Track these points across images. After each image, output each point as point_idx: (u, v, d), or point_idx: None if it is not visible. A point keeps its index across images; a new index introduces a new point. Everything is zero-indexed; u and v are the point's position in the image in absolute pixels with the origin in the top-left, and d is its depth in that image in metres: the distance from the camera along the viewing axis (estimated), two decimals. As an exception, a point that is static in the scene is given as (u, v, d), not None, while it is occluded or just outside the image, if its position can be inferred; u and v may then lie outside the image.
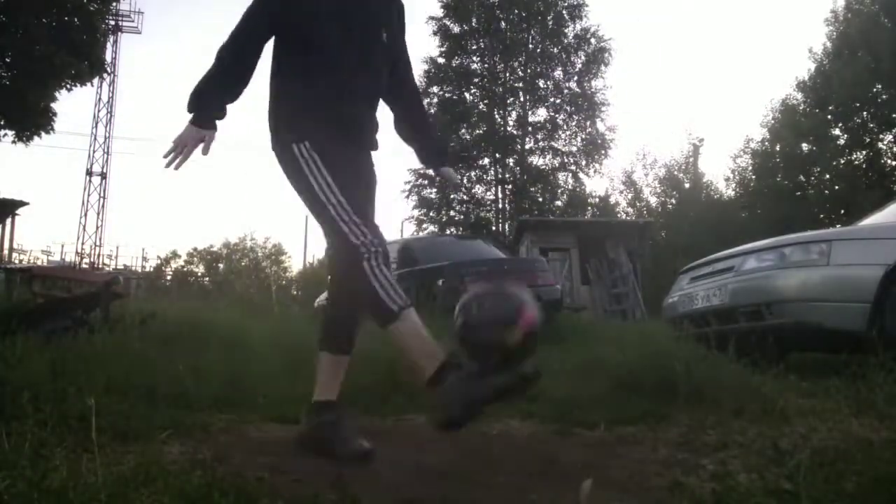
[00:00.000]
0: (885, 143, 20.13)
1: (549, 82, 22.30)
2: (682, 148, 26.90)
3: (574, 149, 22.12)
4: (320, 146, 1.87)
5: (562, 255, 14.37)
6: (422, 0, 27.48)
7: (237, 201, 60.65)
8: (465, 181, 22.08)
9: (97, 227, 26.08)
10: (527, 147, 22.20)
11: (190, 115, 1.85)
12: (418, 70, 22.28)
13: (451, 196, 21.67)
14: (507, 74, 22.42)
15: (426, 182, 21.44)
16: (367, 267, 1.73)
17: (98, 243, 26.07)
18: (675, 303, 4.71)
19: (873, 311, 3.49)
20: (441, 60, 22.10)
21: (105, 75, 18.74)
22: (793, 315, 3.67)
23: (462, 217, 21.89)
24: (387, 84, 2.10)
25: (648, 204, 25.20)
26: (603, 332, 5.53)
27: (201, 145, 1.84)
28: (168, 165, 1.82)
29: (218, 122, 1.88)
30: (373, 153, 2.11)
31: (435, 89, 22.02)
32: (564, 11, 22.02)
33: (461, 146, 21.33)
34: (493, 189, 22.43)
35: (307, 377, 2.88)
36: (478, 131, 21.99)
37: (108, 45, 17.05)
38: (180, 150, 1.81)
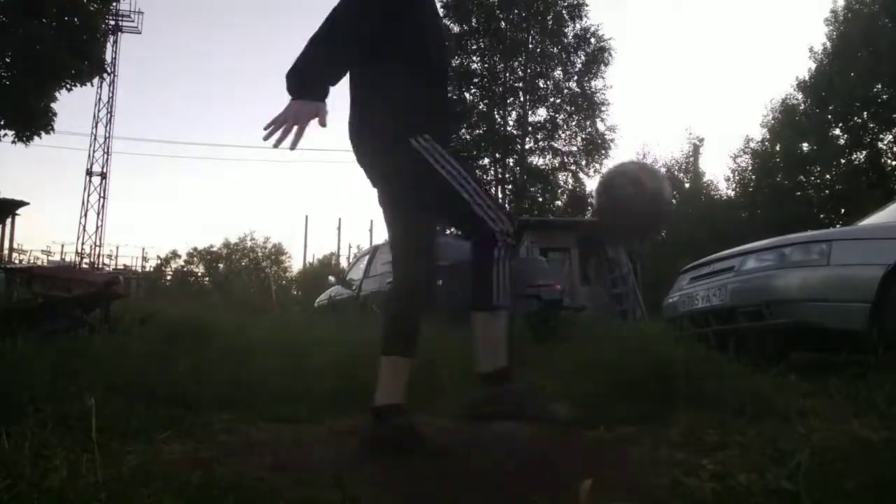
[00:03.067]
0: (885, 143, 20.16)
1: (549, 82, 22.30)
2: (682, 148, 26.90)
3: (574, 149, 22.15)
4: (438, 140, 1.87)
5: (562, 255, 14.36)
6: (422, 0, 27.34)
7: (237, 201, 60.68)
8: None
9: (97, 227, 26.12)
10: (527, 147, 22.20)
11: (295, 91, 1.75)
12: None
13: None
14: (507, 74, 22.41)
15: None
16: (496, 254, 1.82)
17: (98, 243, 26.10)
18: (675, 303, 4.71)
19: (873, 311, 3.49)
20: (441, 60, 22.08)
21: (105, 75, 18.75)
22: (793, 315, 3.67)
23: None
24: None
25: (648, 204, 25.17)
26: (603, 332, 5.53)
27: (315, 120, 1.75)
28: (278, 144, 1.71)
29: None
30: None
31: (435, 89, 21.99)
32: (564, 11, 22.01)
33: (461, 146, 21.34)
34: (493, 189, 22.42)
35: (307, 377, 2.89)
36: (478, 131, 21.99)
37: (108, 45, 17.08)
38: (290, 125, 1.71)
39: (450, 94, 2.09)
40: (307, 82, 1.77)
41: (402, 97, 1.88)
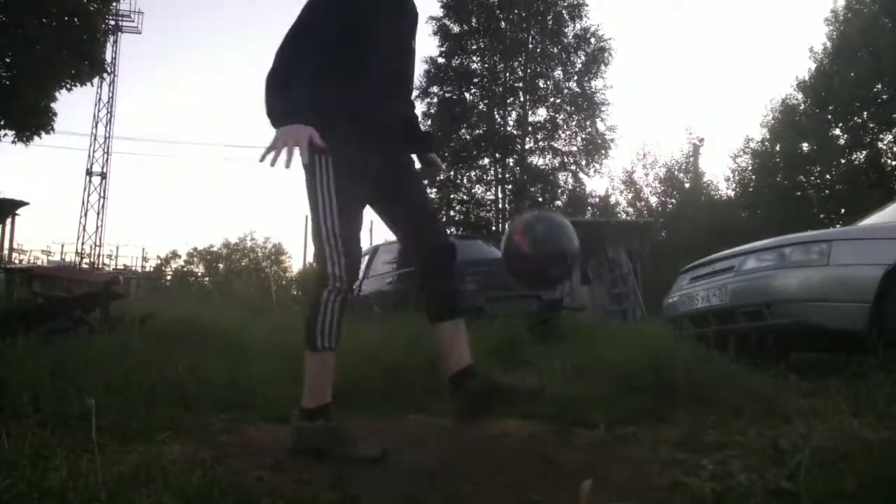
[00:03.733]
0: (885, 143, 20.15)
1: (549, 82, 22.29)
2: (682, 148, 26.89)
3: (574, 149, 22.13)
4: (339, 156, 1.91)
5: (562, 255, 14.34)
6: (422, 0, 27.41)
7: (237, 201, 60.68)
8: (465, 181, 22.10)
9: (97, 227, 26.11)
10: (527, 147, 22.18)
11: (281, 120, 1.83)
12: (418, 70, 22.30)
13: (452, 196, 21.68)
14: (507, 74, 22.41)
15: (426, 182, 21.39)
16: (325, 296, 1.92)
17: (98, 243, 26.09)
18: (675, 303, 4.71)
19: (873, 311, 3.49)
20: (441, 60, 22.11)
21: (105, 75, 18.76)
22: (793, 315, 3.67)
23: (462, 217, 21.88)
24: None
25: (648, 204, 25.23)
26: (603, 332, 5.53)
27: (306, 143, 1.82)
28: (274, 163, 1.79)
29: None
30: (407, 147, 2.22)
31: (435, 89, 22.00)
32: (564, 11, 22.00)
33: (461, 146, 21.35)
34: (493, 189, 22.43)
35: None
36: (478, 131, 21.98)
37: (108, 45, 17.07)
38: (291, 147, 1.79)
39: (408, 87, 2.24)
40: (294, 107, 1.85)
41: (321, 101, 1.93)
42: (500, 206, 22.29)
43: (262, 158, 1.81)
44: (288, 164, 1.80)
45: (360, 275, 9.04)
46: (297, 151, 1.80)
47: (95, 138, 26.19)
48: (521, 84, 22.34)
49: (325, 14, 1.95)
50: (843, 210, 19.06)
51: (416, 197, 2.17)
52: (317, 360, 1.94)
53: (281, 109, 1.85)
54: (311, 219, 1.97)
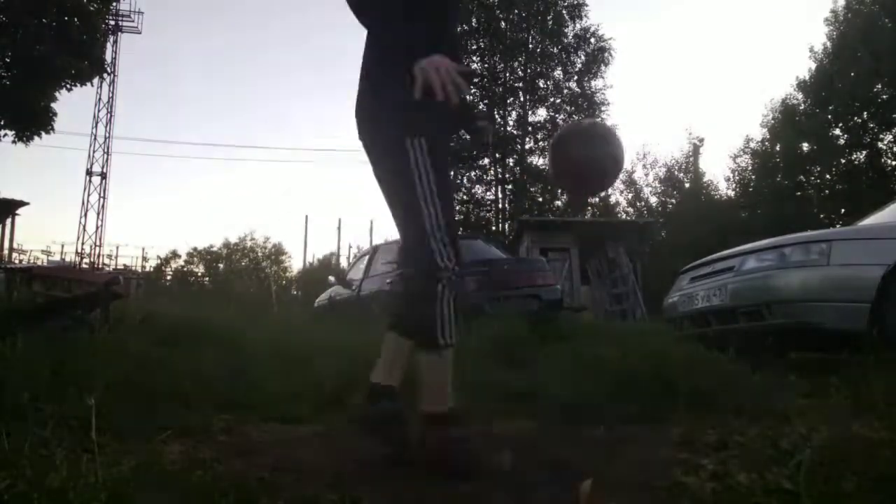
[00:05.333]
0: (885, 143, 20.18)
1: (549, 82, 22.31)
2: (682, 148, 26.92)
3: (574, 149, 22.10)
4: (430, 136, 1.75)
5: (562, 255, 14.37)
6: (422, 0, 27.38)
7: (237, 201, 60.69)
8: (464, 181, 22.10)
9: (97, 227, 26.08)
10: (527, 147, 22.21)
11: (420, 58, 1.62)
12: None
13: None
14: (507, 74, 22.42)
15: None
16: (440, 291, 1.74)
17: (98, 243, 26.06)
18: (675, 303, 4.71)
19: (873, 311, 3.49)
20: (441, 60, 22.08)
21: (105, 75, 18.77)
22: (793, 315, 3.67)
23: (462, 217, 21.89)
24: None
25: (648, 204, 25.24)
26: (603, 332, 5.53)
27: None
28: (446, 93, 1.59)
29: None
30: None
31: (435, 89, 21.99)
32: (564, 11, 22.03)
33: (460, 146, 21.33)
34: (493, 189, 22.45)
35: (307, 376, 2.89)
36: (478, 131, 21.94)
37: (108, 45, 17.07)
38: (449, 77, 1.59)
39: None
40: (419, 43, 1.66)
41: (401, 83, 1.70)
42: (500, 206, 22.31)
43: (420, 93, 1.61)
44: (459, 92, 1.61)
45: (362, 274, 9.06)
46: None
47: (95, 138, 26.21)
48: (521, 84, 22.35)
49: None
50: (843, 210, 19.06)
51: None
52: (440, 358, 1.76)
53: (413, 44, 1.66)
54: (403, 205, 1.79)
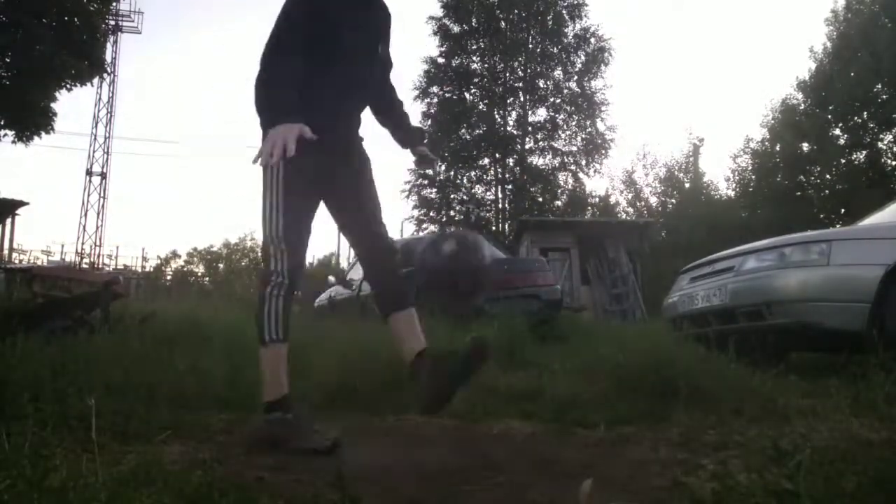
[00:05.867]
0: (885, 143, 20.17)
1: (549, 82, 22.30)
2: (682, 148, 26.92)
3: (574, 149, 22.13)
4: (291, 161, 1.90)
5: (562, 255, 14.37)
6: (422, 0, 27.45)
7: (237, 201, 60.70)
8: (464, 181, 22.11)
9: (97, 227, 26.07)
10: (527, 147, 22.20)
11: (273, 121, 1.87)
12: (418, 70, 22.32)
13: (452, 196, 21.69)
14: (507, 74, 22.42)
15: (426, 182, 21.46)
16: (269, 291, 2.03)
17: (98, 243, 26.06)
18: (675, 303, 4.71)
19: (873, 311, 3.49)
20: (441, 60, 22.11)
21: (105, 75, 18.76)
22: (793, 315, 3.67)
23: (462, 217, 21.89)
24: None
25: (648, 204, 25.22)
26: (603, 332, 5.53)
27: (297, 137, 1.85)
28: (269, 162, 1.83)
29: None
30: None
31: (435, 89, 22.02)
32: (564, 11, 22.01)
33: (460, 146, 21.37)
34: (493, 189, 22.43)
35: (306, 376, 2.89)
36: (478, 131, 21.98)
37: (108, 45, 17.05)
38: (281, 146, 1.81)
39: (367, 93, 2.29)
40: (283, 107, 1.91)
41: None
42: (500, 206, 22.30)
43: (256, 160, 1.89)
44: (277, 161, 1.84)
45: (362, 274, 9.04)
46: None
47: (95, 138, 26.20)
48: (521, 84, 22.35)
49: (290, 25, 2.02)
50: (843, 210, 19.07)
51: (363, 204, 2.22)
52: (268, 353, 2.03)
53: (277, 108, 1.91)
54: (259, 217, 2.06)
